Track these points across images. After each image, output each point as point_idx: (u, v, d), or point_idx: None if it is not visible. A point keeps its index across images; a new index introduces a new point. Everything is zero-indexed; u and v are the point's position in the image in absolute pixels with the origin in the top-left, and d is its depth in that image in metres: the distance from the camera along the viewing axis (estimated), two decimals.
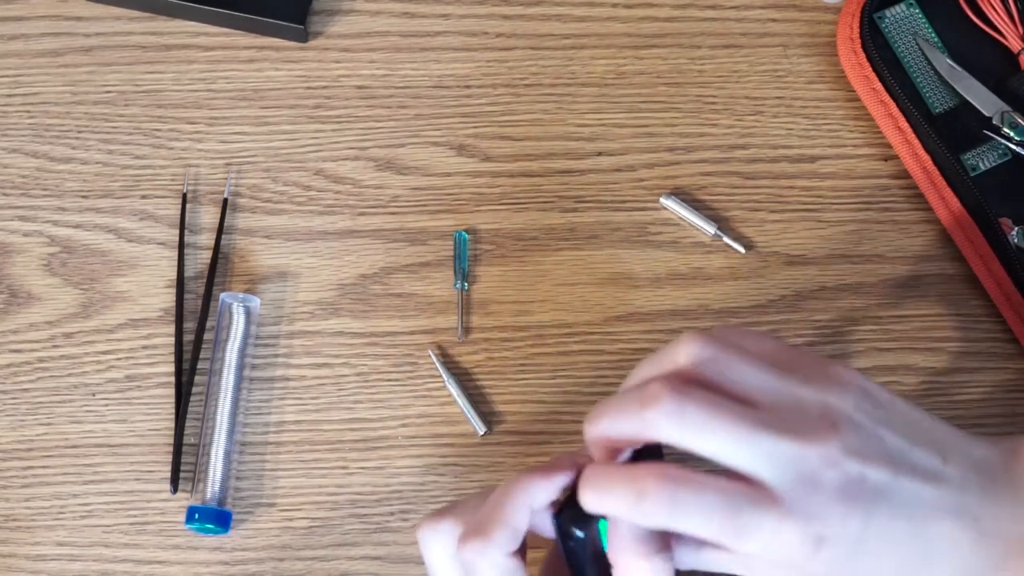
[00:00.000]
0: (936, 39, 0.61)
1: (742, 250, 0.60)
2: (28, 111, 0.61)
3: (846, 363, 0.46)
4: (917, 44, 0.61)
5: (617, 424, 0.42)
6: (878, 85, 0.60)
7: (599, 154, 0.61)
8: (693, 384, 0.41)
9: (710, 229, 0.59)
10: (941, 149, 0.58)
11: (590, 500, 0.41)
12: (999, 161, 0.59)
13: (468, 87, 0.62)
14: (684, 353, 0.42)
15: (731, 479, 0.40)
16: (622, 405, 0.42)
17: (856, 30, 0.60)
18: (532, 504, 0.43)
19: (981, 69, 0.60)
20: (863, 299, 0.59)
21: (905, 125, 0.59)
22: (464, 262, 0.59)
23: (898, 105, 0.59)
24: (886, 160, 0.61)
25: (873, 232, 0.60)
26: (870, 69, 0.60)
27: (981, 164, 0.59)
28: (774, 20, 0.63)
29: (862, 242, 0.60)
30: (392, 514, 0.56)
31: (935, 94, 0.60)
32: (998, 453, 0.44)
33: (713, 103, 0.62)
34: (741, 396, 0.41)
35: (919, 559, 0.42)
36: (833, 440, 0.41)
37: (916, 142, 0.59)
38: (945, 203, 0.59)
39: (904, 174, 0.61)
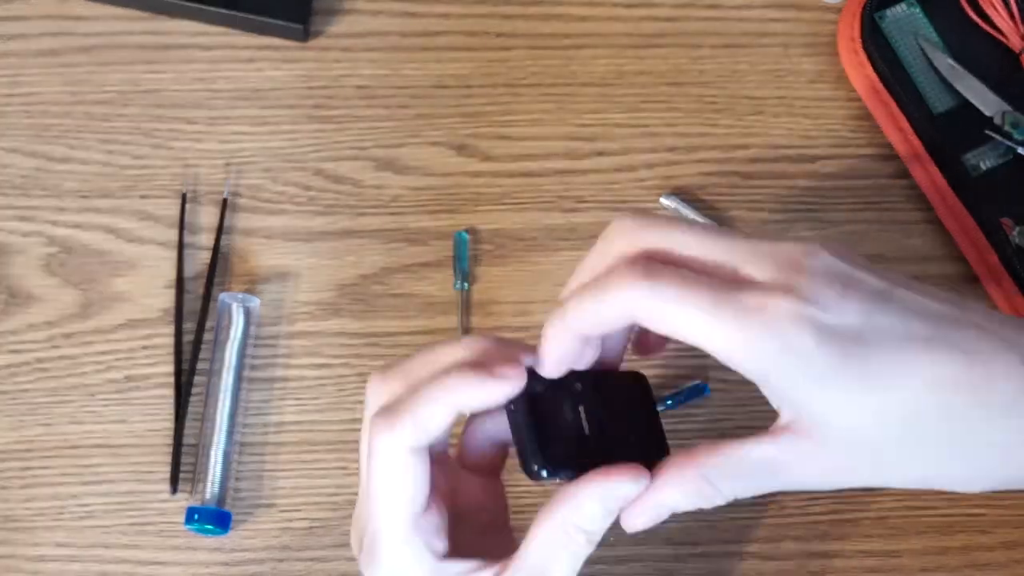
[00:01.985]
0: (937, 39, 0.61)
1: None
2: (27, 111, 0.61)
3: None
4: (918, 44, 0.60)
5: (587, 316, 0.40)
6: (879, 85, 0.59)
7: (599, 154, 0.61)
8: (652, 260, 0.39)
9: None
10: (942, 149, 0.58)
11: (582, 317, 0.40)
12: (1000, 161, 0.59)
13: (468, 87, 0.62)
14: (619, 233, 0.40)
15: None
16: (590, 295, 0.39)
17: (857, 29, 0.60)
18: (459, 408, 0.40)
19: (982, 68, 0.60)
20: None
21: (906, 125, 0.59)
22: (464, 262, 0.59)
23: (899, 105, 0.59)
24: (887, 160, 0.61)
25: (874, 232, 0.60)
26: (871, 68, 0.59)
27: (982, 164, 0.59)
28: (775, 20, 0.63)
29: (863, 242, 0.60)
30: None
31: (936, 94, 0.60)
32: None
33: (714, 103, 0.62)
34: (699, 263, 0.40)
35: (961, 373, 0.38)
36: (817, 245, 0.39)
37: (917, 142, 0.59)
38: (946, 203, 0.59)
39: (905, 174, 0.61)
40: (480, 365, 0.41)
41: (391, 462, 0.40)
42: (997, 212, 0.58)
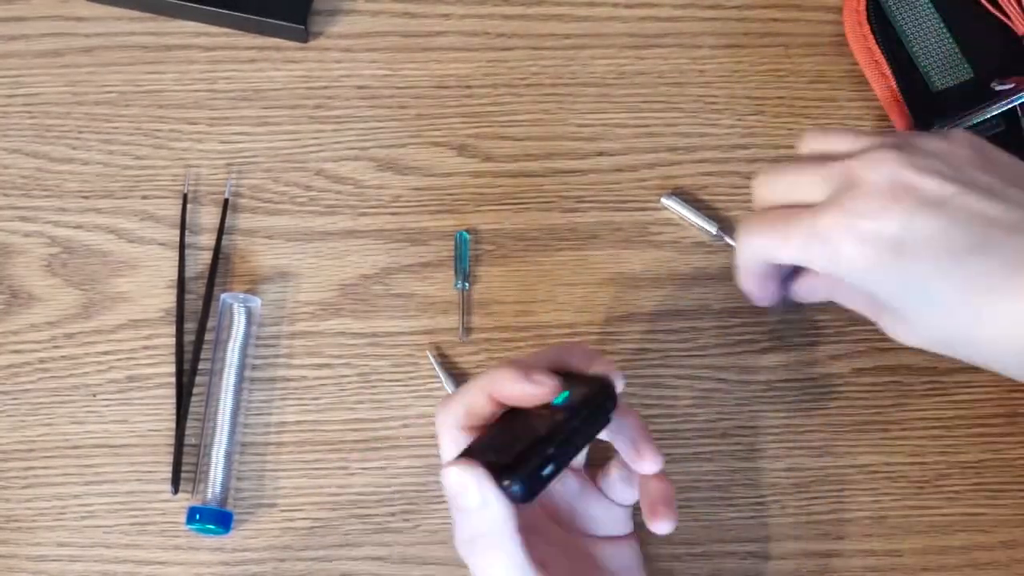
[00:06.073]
0: (938, 19, 0.60)
1: None
2: (29, 111, 0.61)
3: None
4: (920, 23, 0.60)
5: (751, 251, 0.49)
6: (880, 56, 0.59)
7: (600, 154, 0.61)
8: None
9: (711, 229, 0.59)
10: (931, 124, 0.58)
11: None
12: (989, 135, 0.58)
13: (469, 87, 0.62)
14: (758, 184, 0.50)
15: None
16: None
17: (863, 2, 0.60)
18: (492, 393, 0.46)
19: (985, 50, 0.59)
20: None
21: (902, 99, 0.59)
22: (465, 262, 0.59)
23: (896, 81, 0.59)
24: None
25: None
26: (873, 42, 0.59)
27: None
28: (775, 20, 0.63)
29: None
30: (393, 514, 0.56)
31: (936, 72, 0.60)
32: None
33: (714, 103, 0.62)
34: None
35: (980, 274, 0.43)
36: (890, 154, 0.44)
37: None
38: None
39: None
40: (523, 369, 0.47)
41: (446, 438, 0.47)
42: None
